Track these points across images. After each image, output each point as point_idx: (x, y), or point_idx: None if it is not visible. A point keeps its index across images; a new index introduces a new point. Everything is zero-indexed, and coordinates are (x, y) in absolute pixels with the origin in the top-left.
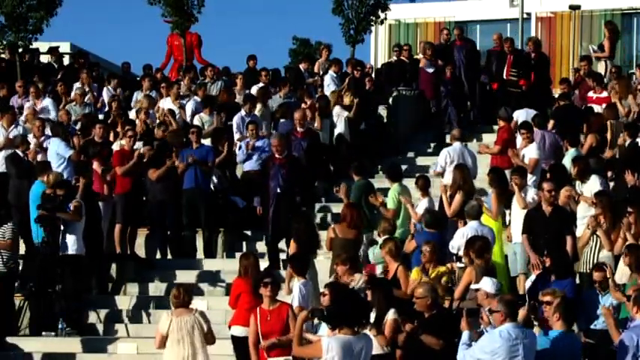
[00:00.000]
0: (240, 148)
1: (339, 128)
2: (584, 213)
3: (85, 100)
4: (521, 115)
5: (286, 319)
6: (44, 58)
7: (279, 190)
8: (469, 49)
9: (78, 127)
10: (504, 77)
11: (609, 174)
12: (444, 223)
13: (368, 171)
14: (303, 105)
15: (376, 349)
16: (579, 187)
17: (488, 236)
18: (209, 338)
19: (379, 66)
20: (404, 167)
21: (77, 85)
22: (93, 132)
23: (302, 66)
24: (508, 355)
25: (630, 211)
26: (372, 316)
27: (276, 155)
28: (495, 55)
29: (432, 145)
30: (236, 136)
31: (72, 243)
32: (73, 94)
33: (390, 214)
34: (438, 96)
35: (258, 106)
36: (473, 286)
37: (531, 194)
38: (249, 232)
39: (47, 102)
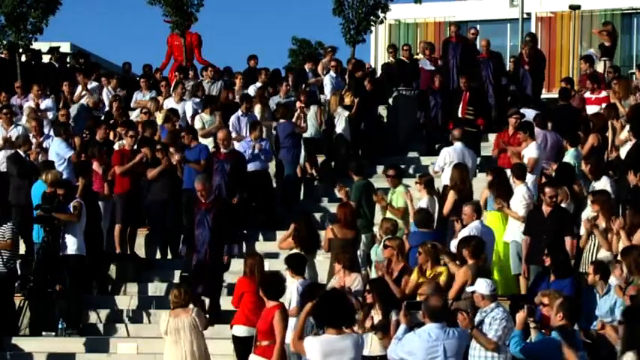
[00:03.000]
0: (242, 148)
1: (340, 128)
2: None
3: (85, 100)
4: None
5: (271, 321)
6: (45, 58)
7: (206, 239)
8: (465, 47)
9: (77, 125)
10: (459, 116)
11: (610, 174)
12: (432, 222)
13: (366, 171)
14: (298, 103)
15: (381, 351)
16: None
17: (489, 237)
18: (205, 327)
19: (379, 66)
20: (403, 167)
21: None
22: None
23: (307, 66)
24: (426, 356)
25: (627, 209)
26: (376, 319)
27: (202, 200)
28: (485, 63)
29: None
30: (232, 135)
31: (72, 243)
32: (75, 94)
33: (399, 212)
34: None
35: (257, 106)
36: (468, 289)
37: (521, 192)
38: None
39: (48, 102)
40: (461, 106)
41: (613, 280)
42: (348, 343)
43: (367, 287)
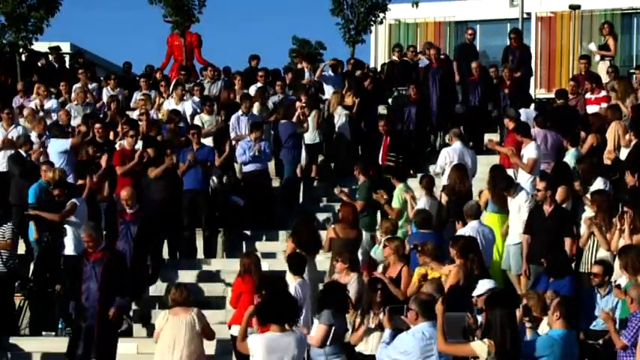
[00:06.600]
0: (242, 149)
1: (340, 128)
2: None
3: (86, 100)
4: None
5: None
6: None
7: (95, 296)
8: (444, 74)
9: (75, 124)
10: (380, 162)
11: (607, 175)
12: (432, 223)
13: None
14: (297, 103)
15: None
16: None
17: (489, 236)
18: (208, 335)
19: (379, 66)
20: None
21: (77, 85)
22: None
23: (304, 65)
24: (422, 355)
25: (626, 210)
26: (381, 317)
27: (90, 250)
28: (473, 86)
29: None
30: (231, 134)
31: (72, 243)
32: (73, 94)
33: (394, 213)
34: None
35: (256, 106)
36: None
37: (522, 194)
38: (248, 232)
39: (53, 102)
40: (381, 151)
41: (623, 280)
42: (291, 341)
43: (378, 286)
